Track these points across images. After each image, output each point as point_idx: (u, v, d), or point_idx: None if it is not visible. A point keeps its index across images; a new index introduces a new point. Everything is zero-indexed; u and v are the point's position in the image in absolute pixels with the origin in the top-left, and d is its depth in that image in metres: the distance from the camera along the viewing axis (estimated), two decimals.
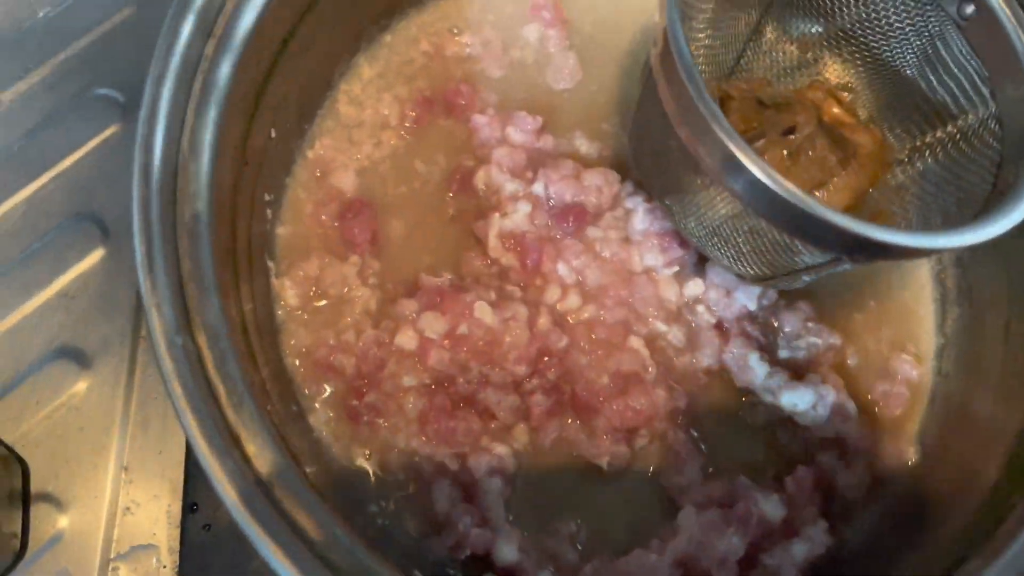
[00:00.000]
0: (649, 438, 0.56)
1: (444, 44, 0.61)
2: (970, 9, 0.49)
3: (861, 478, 0.57)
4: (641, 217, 0.57)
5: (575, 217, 0.57)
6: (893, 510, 0.57)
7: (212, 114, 0.44)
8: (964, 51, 0.51)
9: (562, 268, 0.57)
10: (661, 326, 0.57)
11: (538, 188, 0.58)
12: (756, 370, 0.56)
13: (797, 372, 0.58)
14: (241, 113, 0.47)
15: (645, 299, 0.57)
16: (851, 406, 0.56)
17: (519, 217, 0.57)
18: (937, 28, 0.51)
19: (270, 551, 0.38)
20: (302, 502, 0.40)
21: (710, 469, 0.56)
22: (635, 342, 0.56)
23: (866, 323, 0.60)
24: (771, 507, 0.53)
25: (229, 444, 0.40)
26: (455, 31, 0.62)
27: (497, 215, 0.57)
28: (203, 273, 0.42)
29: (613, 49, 0.62)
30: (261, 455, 0.40)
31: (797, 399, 0.55)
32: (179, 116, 0.42)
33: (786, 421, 0.57)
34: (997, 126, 0.49)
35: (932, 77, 0.53)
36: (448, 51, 0.61)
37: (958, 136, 0.52)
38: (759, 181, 0.40)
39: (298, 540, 0.39)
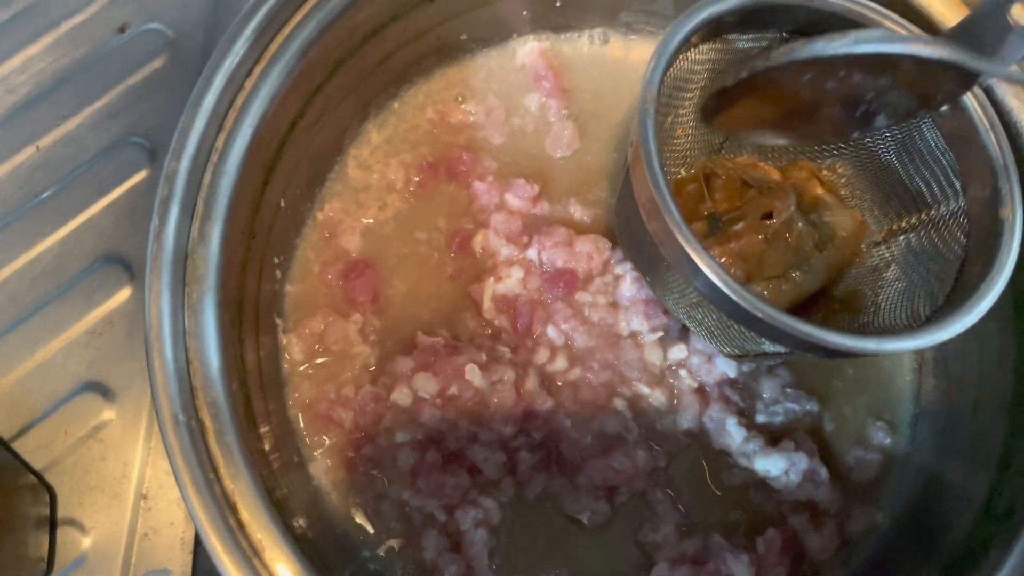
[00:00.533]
0: (629, 496, 0.59)
1: (449, 112, 0.64)
2: (944, 107, 0.51)
3: (830, 541, 0.59)
4: (629, 284, 0.60)
5: (566, 282, 0.60)
6: (860, 571, 0.59)
7: (222, 200, 0.48)
8: (939, 144, 0.53)
9: (552, 331, 0.60)
10: (644, 389, 0.60)
11: (532, 253, 0.61)
12: (733, 435, 0.59)
13: (774, 436, 0.60)
14: (250, 195, 0.50)
15: (630, 362, 0.60)
16: (823, 472, 0.59)
17: (512, 282, 0.60)
18: (914, 119, 0.53)
19: None
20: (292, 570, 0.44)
21: (683, 528, 0.59)
22: (619, 404, 0.59)
23: (844, 390, 0.62)
24: (740, 569, 0.56)
25: (225, 511, 0.44)
26: (460, 99, 0.65)
27: (492, 279, 0.60)
28: (207, 350, 0.46)
29: (610, 119, 0.65)
30: (255, 521, 0.44)
31: (770, 465, 0.58)
32: (190, 206, 0.46)
33: (760, 483, 0.59)
34: (966, 220, 0.51)
35: (909, 165, 0.55)
36: (453, 119, 0.64)
37: (930, 225, 0.54)
38: (714, 284, 0.43)
39: None
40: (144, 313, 0.45)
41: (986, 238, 0.49)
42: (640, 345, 0.60)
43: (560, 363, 0.60)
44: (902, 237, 0.55)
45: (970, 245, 0.50)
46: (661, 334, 0.60)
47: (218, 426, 0.45)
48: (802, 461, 0.58)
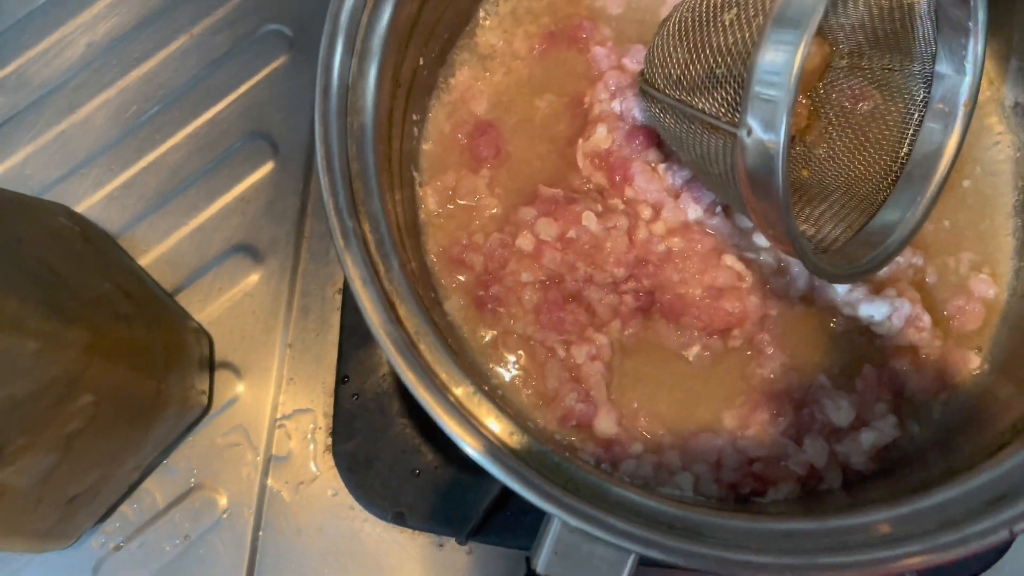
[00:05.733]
0: (741, 339, 0.63)
1: None
2: None
3: (932, 382, 0.62)
4: None
5: (644, 136, 0.64)
6: (959, 412, 0.62)
7: (376, 43, 0.54)
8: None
9: (644, 187, 0.64)
10: (751, 254, 0.63)
11: (616, 105, 0.64)
12: (838, 287, 0.62)
13: (878, 287, 0.63)
14: (397, 43, 0.56)
15: (733, 232, 0.64)
16: (926, 318, 0.61)
17: (599, 137, 0.63)
18: None
19: (415, 389, 0.48)
20: (438, 358, 0.50)
21: (786, 365, 0.62)
22: (728, 260, 0.62)
23: (947, 244, 0.65)
24: (843, 406, 0.60)
25: (386, 306, 0.50)
26: None
27: (581, 139, 0.65)
28: (367, 173, 0.52)
29: None
30: (409, 318, 0.51)
31: (873, 310, 0.61)
32: (351, 45, 0.52)
33: (864, 330, 0.63)
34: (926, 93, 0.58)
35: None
36: None
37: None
38: None
39: (434, 386, 0.49)
40: (315, 138, 0.51)
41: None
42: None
43: (659, 226, 0.64)
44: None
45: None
46: None
47: (377, 236, 0.51)
48: (905, 306, 0.61)
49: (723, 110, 0.52)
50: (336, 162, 0.50)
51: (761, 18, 0.50)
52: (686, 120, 0.55)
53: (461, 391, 0.50)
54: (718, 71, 0.52)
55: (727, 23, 0.53)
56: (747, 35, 0.51)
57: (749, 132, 0.48)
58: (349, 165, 0.51)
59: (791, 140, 0.60)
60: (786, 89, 0.46)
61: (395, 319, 0.50)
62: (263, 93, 0.81)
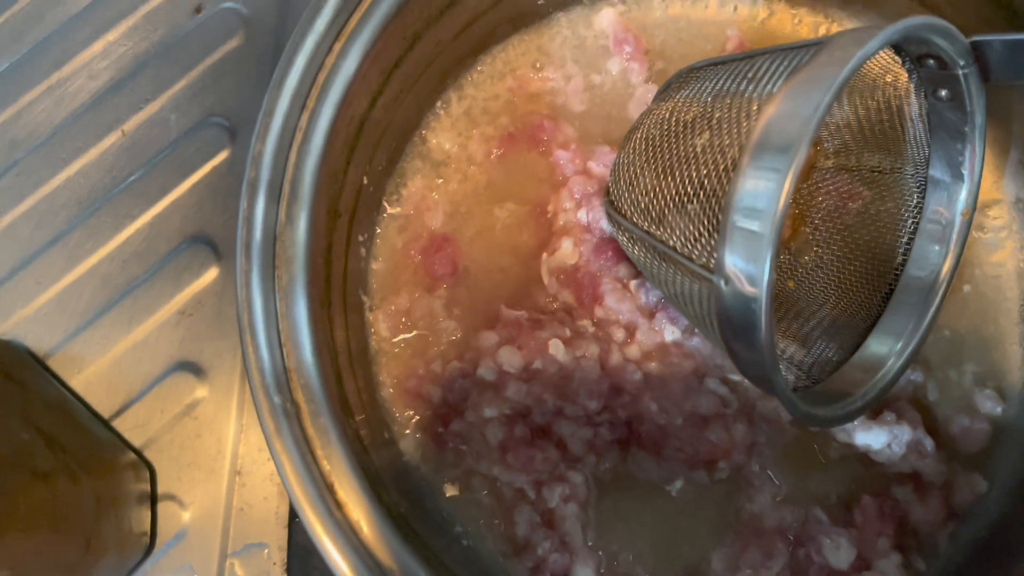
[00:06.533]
0: (728, 471, 0.57)
1: (527, 80, 0.63)
2: (944, 93, 0.49)
3: (936, 512, 0.57)
4: None
5: (613, 251, 0.58)
6: (969, 544, 0.57)
7: (307, 182, 0.48)
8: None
9: (615, 307, 0.58)
10: (735, 376, 0.58)
11: (581, 215, 0.59)
12: None
13: (875, 410, 0.58)
14: (332, 177, 0.50)
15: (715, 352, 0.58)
16: (929, 443, 0.56)
17: (565, 252, 0.58)
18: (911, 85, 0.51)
19: None
20: (390, 547, 0.44)
21: (779, 500, 0.57)
22: (711, 384, 0.57)
23: (948, 358, 0.60)
24: (843, 543, 0.55)
25: (323, 491, 0.44)
26: (538, 66, 0.64)
27: (545, 253, 0.59)
28: (299, 332, 0.46)
29: None
30: (351, 501, 0.45)
31: (871, 439, 0.56)
32: (276, 188, 0.46)
33: (862, 456, 0.57)
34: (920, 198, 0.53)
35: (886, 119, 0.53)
36: (531, 87, 0.63)
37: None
38: None
39: None
40: (236, 297, 0.45)
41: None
42: None
43: (634, 350, 0.58)
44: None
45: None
46: None
47: (312, 407, 0.45)
48: (905, 433, 0.56)
49: (696, 250, 0.46)
50: (261, 327, 0.44)
51: (736, 149, 0.44)
52: (656, 256, 0.49)
53: None
54: (689, 206, 0.47)
55: (698, 149, 0.47)
56: (721, 167, 0.45)
57: (726, 281, 0.43)
58: (278, 326, 0.45)
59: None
60: (768, 234, 0.40)
61: (336, 505, 0.44)
62: (203, 192, 0.74)
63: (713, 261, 0.44)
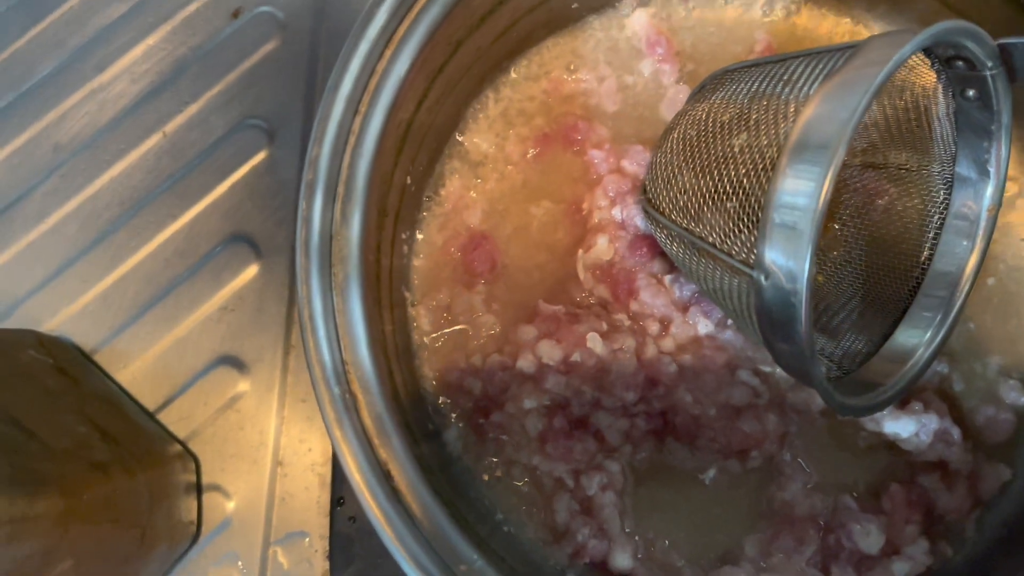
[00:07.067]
0: (760, 460, 0.59)
1: (562, 82, 0.65)
2: (971, 93, 0.51)
3: (963, 501, 0.59)
4: None
5: (648, 247, 0.60)
6: (995, 531, 0.59)
7: (360, 182, 0.50)
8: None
9: (651, 302, 0.60)
10: (766, 367, 0.60)
11: (616, 212, 0.61)
12: None
13: (903, 400, 0.60)
14: (382, 177, 0.52)
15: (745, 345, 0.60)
16: (956, 432, 0.58)
17: (600, 249, 0.60)
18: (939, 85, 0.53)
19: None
20: (444, 532, 0.46)
21: (808, 486, 0.59)
22: (743, 375, 0.59)
23: (974, 349, 0.61)
24: (872, 530, 0.57)
25: (380, 478, 0.46)
26: (572, 68, 0.65)
27: (581, 250, 0.61)
28: (355, 327, 0.48)
29: None
30: (408, 489, 0.47)
31: (899, 428, 0.57)
32: (332, 189, 0.48)
33: (891, 445, 0.59)
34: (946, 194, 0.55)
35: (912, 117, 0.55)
36: (565, 88, 0.65)
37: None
38: None
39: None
40: (296, 294, 0.47)
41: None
42: None
43: (668, 343, 0.60)
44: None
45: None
46: None
47: (369, 399, 0.47)
48: (932, 422, 0.58)
49: (736, 246, 0.48)
50: (320, 323, 0.46)
51: (775, 150, 0.46)
52: (695, 251, 0.51)
53: (465, 568, 0.46)
54: (728, 203, 0.49)
55: (736, 149, 0.49)
56: (760, 167, 0.47)
57: (767, 276, 0.44)
58: (335, 321, 0.47)
59: None
60: (807, 231, 0.42)
61: (392, 492, 0.46)
62: (242, 192, 0.76)
63: (753, 256, 0.46)
